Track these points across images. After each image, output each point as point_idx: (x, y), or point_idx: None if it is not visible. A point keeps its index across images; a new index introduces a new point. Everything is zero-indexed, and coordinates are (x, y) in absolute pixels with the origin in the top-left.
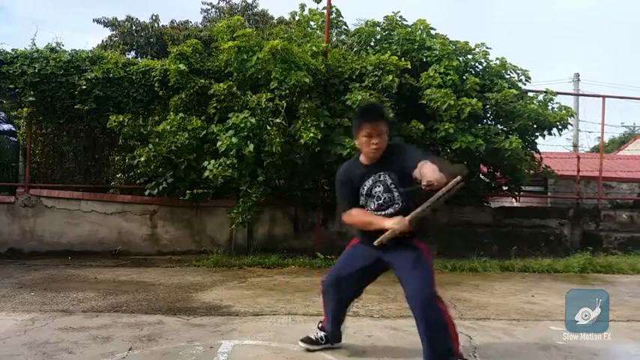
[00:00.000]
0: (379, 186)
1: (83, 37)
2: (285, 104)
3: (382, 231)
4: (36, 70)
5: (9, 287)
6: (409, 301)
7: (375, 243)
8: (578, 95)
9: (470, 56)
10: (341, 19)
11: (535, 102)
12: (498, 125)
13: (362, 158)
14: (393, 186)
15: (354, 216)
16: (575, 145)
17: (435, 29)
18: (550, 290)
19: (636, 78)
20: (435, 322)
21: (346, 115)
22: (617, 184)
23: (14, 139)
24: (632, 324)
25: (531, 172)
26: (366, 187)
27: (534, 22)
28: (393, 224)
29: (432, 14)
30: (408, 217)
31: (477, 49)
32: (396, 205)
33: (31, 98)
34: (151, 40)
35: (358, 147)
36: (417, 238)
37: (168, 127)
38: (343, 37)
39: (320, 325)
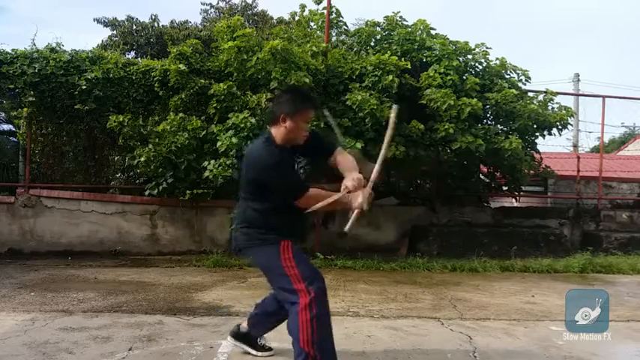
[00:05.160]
0: (300, 170)
1: (83, 37)
2: None
3: (301, 220)
4: (36, 71)
5: (9, 287)
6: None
7: (346, 229)
8: (578, 95)
9: (470, 56)
10: (341, 19)
11: (535, 102)
12: (498, 125)
13: (279, 141)
14: (306, 170)
15: (317, 194)
16: (575, 145)
17: (435, 29)
18: (550, 290)
19: (636, 78)
20: None
21: (346, 115)
22: (617, 184)
23: (14, 139)
24: (632, 324)
25: (531, 172)
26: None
27: (534, 21)
28: (359, 201)
29: (432, 14)
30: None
31: (477, 49)
32: None
33: (31, 98)
34: (151, 40)
35: (286, 129)
36: None
37: (169, 127)
38: (343, 37)
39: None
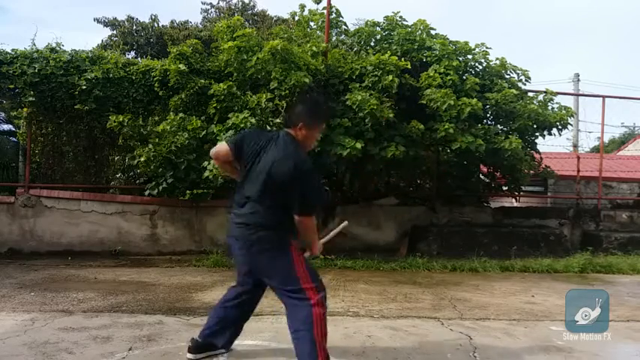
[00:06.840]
0: None
1: (83, 37)
2: (285, 104)
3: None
4: (36, 71)
5: (9, 287)
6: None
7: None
8: (578, 95)
9: (470, 56)
10: (341, 19)
11: (535, 102)
12: (498, 125)
13: None
14: None
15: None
16: (575, 145)
17: (435, 29)
18: (550, 290)
19: (636, 78)
20: None
21: (346, 115)
22: (617, 184)
23: (14, 139)
24: (632, 324)
25: (531, 172)
26: None
27: (534, 21)
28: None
29: (432, 14)
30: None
31: (477, 49)
32: None
33: (31, 98)
34: (151, 40)
35: (300, 136)
36: None
37: (168, 127)
38: (343, 37)
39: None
